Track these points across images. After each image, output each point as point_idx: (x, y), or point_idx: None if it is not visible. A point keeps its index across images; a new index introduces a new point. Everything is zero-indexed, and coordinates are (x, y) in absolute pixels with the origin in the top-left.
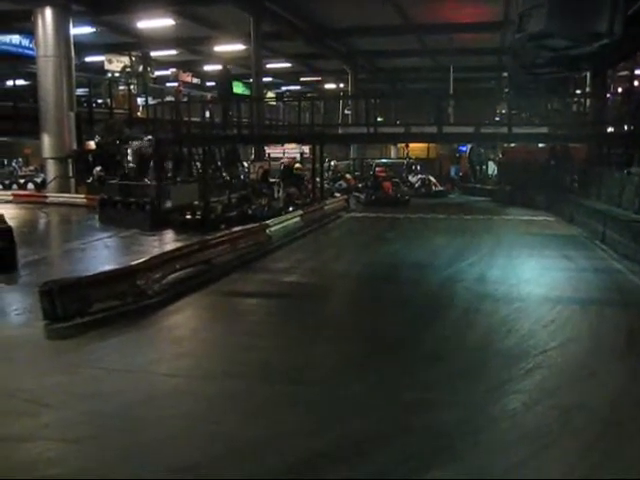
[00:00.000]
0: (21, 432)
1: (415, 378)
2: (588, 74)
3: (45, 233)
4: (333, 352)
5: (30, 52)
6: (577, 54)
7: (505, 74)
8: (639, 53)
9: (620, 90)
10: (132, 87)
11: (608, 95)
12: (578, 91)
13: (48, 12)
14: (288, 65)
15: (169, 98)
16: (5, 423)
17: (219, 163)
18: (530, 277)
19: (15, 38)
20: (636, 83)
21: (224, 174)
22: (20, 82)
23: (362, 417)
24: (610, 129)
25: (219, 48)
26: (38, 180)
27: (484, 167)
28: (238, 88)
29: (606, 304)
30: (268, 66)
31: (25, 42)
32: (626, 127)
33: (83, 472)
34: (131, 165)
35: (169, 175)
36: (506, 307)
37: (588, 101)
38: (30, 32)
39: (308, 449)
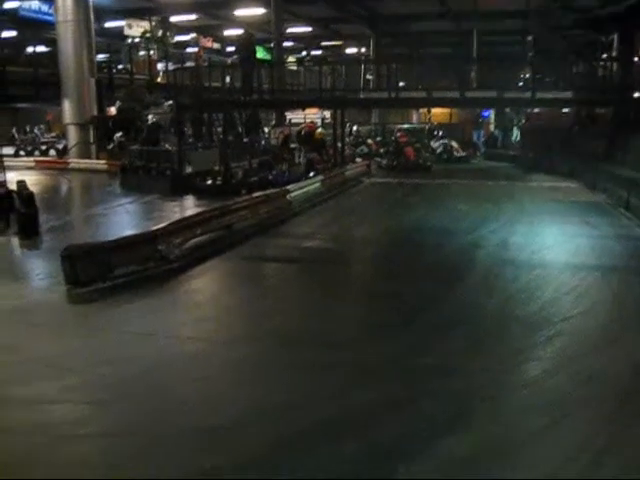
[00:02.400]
0: (45, 395)
1: (435, 344)
2: (615, 37)
3: (67, 199)
4: (353, 317)
5: (49, 18)
6: (604, 15)
7: (529, 38)
8: None
9: None
10: (152, 52)
11: (635, 59)
12: (604, 55)
13: None
14: (309, 29)
15: (189, 63)
16: (29, 386)
17: (240, 128)
18: (552, 244)
19: (34, 4)
20: None
21: (245, 139)
22: (41, 48)
23: (379, 383)
24: (636, 94)
25: (239, 12)
26: (60, 146)
27: (509, 133)
28: (259, 53)
29: (629, 271)
30: (289, 30)
31: (44, 7)
32: None
33: (107, 433)
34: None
35: (190, 140)
36: (527, 274)
37: (614, 65)
38: None
39: (326, 413)
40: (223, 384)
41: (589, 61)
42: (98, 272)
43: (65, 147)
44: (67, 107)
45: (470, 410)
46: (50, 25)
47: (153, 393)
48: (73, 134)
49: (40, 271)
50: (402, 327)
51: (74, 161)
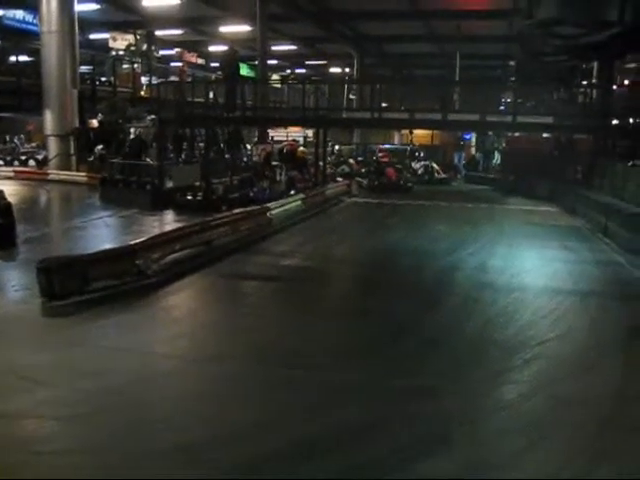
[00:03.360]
0: (16, 409)
1: (413, 365)
2: (595, 65)
3: (45, 210)
4: (332, 337)
5: (34, 28)
6: (586, 43)
7: (512, 62)
8: None
9: (627, 82)
10: (136, 66)
11: (614, 87)
12: (585, 82)
13: None
14: (294, 48)
15: (173, 78)
16: (0, 400)
17: (222, 144)
18: (530, 267)
19: (19, 13)
20: None
21: (226, 156)
22: (24, 58)
23: (358, 403)
24: (615, 121)
25: (225, 29)
26: (40, 157)
27: (490, 156)
28: (243, 70)
29: (606, 296)
30: (273, 48)
31: (29, 17)
32: (631, 120)
33: (75, 450)
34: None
35: (171, 155)
36: (506, 297)
37: (594, 92)
38: (34, 7)
39: (304, 434)
40: (197, 402)
41: (570, 87)
42: (74, 285)
43: (45, 158)
44: (48, 118)
45: (449, 432)
46: (34, 35)
47: (126, 410)
48: (54, 145)
49: (15, 283)
50: (380, 349)
51: (54, 172)
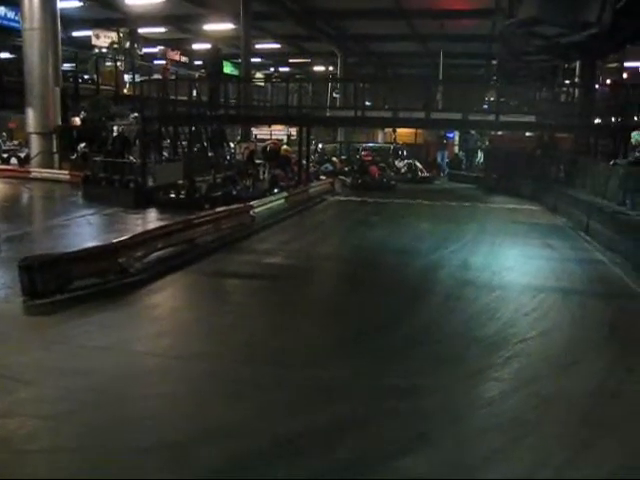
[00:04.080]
0: None
1: (394, 363)
2: (577, 64)
3: (27, 209)
4: (314, 335)
5: (16, 25)
6: (567, 43)
7: (495, 62)
8: (628, 46)
9: (608, 82)
10: (119, 64)
11: (597, 86)
12: (567, 81)
13: None
14: (277, 46)
15: (156, 76)
16: None
17: (205, 143)
18: (512, 265)
19: (0, 10)
20: (624, 75)
21: (210, 154)
22: (5, 55)
23: (341, 401)
24: (597, 120)
25: (208, 27)
26: (22, 155)
27: (473, 154)
28: (227, 68)
29: (588, 294)
30: (257, 46)
31: (10, 14)
32: (613, 119)
33: (58, 448)
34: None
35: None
36: (487, 295)
37: (577, 91)
38: (16, 4)
39: (287, 431)
40: (180, 399)
41: (552, 87)
42: (57, 284)
43: (27, 156)
44: (31, 115)
45: (429, 430)
46: (16, 32)
47: (107, 408)
48: (36, 143)
49: None
50: (363, 346)
51: (36, 170)
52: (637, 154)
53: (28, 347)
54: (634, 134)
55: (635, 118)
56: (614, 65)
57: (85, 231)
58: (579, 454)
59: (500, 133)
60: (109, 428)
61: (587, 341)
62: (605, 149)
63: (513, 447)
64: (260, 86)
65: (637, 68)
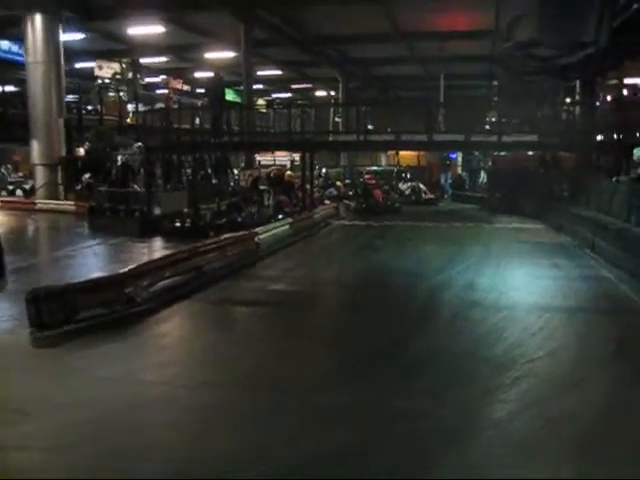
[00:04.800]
0: (3, 441)
1: (402, 386)
2: (577, 83)
3: (33, 240)
4: (321, 361)
5: (19, 58)
6: (565, 63)
7: (495, 82)
8: (626, 62)
9: (609, 99)
10: (122, 94)
11: (597, 103)
12: (568, 99)
13: (38, 18)
14: (279, 72)
15: (159, 105)
16: None
17: (209, 170)
18: (519, 285)
19: (4, 44)
20: (625, 92)
21: (214, 181)
22: (10, 88)
23: (347, 427)
24: (599, 137)
25: (210, 55)
26: (27, 187)
27: (477, 175)
28: (229, 95)
29: (595, 312)
30: (259, 73)
31: (14, 48)
32: (615, 136)
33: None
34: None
35: (159, 182)
36: (494, 315)
37: (577, 110)
38: (20, 38)
39: (291, 459)
40: (186, 429)
41: (553, 106)
42: (64, 315)
43: (32, 187)
44: (35, 147)
45: (435, 451)
46: (20, 65)
47: (112, 438)
48: (41, 174)
49: (4, 313)
50: (370, 370)
51: (41, 202)
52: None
53: (34, 379)
54: (636, 151)
55: (637, 134)
56: (614, 82)
57: (91, 261)
58: (587, 474)
59: (503, 153)
60: (114, 458)
61: (594, 360)
62: (608, 166)
63: (519, 469)
64: (263, 112)
65: (637, 84)
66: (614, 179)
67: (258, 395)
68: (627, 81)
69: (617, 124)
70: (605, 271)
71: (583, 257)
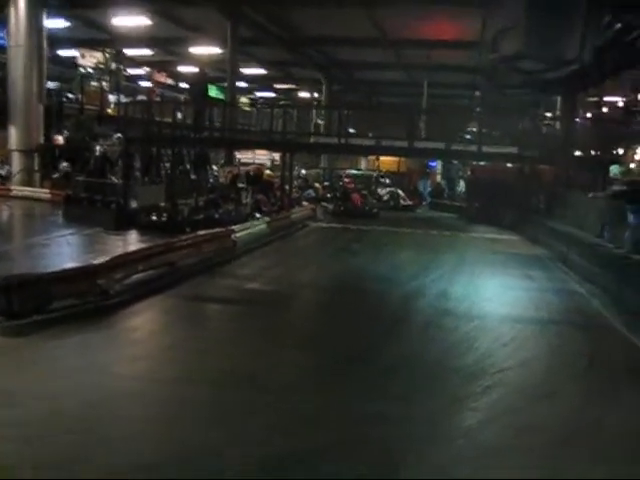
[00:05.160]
0: None
1: (371, 391)
2: (559, 98)
3: (7, 227)
4: (291, 362)
5: (1, 41)
6: (548, 78)
7: (478, 93)
8: (607, 81)
9: (589, 115)
10: (104, 84)
11: (577, 119)
12: (548, 114)
13: (22, 1)
14: (263, 71)
15: (141, 97)
16: None
17: (188, 165)
18: (492, 295)
19: None
20: (604, 109)
21: (192, 177)
22: None
23: (315, 428)
24: (578, 153)
25: (195, 50)
26: (2, 172)
27: (455, 184)
28: (212, 91)
29: (566, 325)
30: (243, 71)
31: None
32: (593, 152)
33: (28, 470)
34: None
35: (137, 175)
36: (466, 324)
37: (557, 124)
38: (2, 21)
39: (258, 458)
40: (152, 423)
41: (533, 119)
42: (34, 304)
43: (8, 173)
44: (13, 133)
45: (403, 459)
46: (1, 49)
47: (79, 430)
48: (17, 161)
49: None
50: (340, 374)
51: (17, 188)
52: (615, 187)
53: (2, 368)
54: (612, 167)
55: (613, 152)
56: (594, 99)
57: (65, 251)
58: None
59: (482, 163)
60: (80, 451)
61: (564, 372)
62: (584, 181)
63: (485, 477)
64: (245, 111)
65: (616, 102)
66: (590, 195)
67: (227, 393)
68: (606, 99)
69: (595, 140)
70: (577, 285)
71: (556, 270)
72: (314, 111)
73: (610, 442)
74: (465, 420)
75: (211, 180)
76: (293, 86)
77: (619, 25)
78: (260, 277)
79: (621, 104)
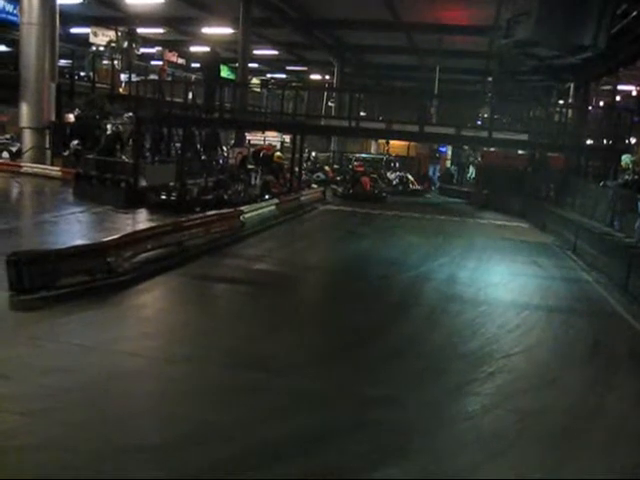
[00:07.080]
0: None
1: (377, 374)
2: (572, 85)
3: (17, 203)
4: (298, 343)
5: (14, 18)
6: (561, 64)
7: (490, 79)
8: (621, 69)
9: (602, 104)
10: (116, 62)
11: (589, 108)
12: (561, 101)
13: None
14: (275, 53)
15: (153, 76)
16: None
17: (198, 146)
18: (499, 281)
19: None
20: (618, 98)
21: (203, 157)
22: (2, 48)
23: (320, 410)
24: (589, 141)
25: (207, 30)
26: (13, 149)
27: (465, 169)
28: (224, 72)
29: (572, 313)
30: (255, 52)
31: (9, 7)
32: (605, 141)
33: (37, 446)
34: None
35: (147, 154)
36: (473, 310)
37: (570, 112)
38: None
39: (263, 438)
40: (160, 401)
41: (546, 106)
42: (44, 280)
43: (19, 150)
44: (24, 110)
45: (408, 442)
46: (14, 25)
47: (88, 406)
48: (28, 138)
49: None
50: (346, 356)
51: (27, 165)
52: (626, 177)
53: (11, 342)
54: (624, 157)
55: (626, 141)
56: (607, 87)
57: (74, 228)
58: (557, 469)
59: (492, 149)
60: (88, 427)
61: (569, 358)
62: (595, 170)
63: (489, 462)
64: (256, 92)
65: (630, 91)
66: (600, 183)
67: (234, 372)
68: (620, 87)
69: (607, 129)
70: (585, 273)
71: (564, 258)
72: (325, 94)
73: (612, 427)
74: (469, 405)
75: (221, 161)
76: (304, 68)
77: (635, 13)
78: (268, 258)
79: (635, 93)
